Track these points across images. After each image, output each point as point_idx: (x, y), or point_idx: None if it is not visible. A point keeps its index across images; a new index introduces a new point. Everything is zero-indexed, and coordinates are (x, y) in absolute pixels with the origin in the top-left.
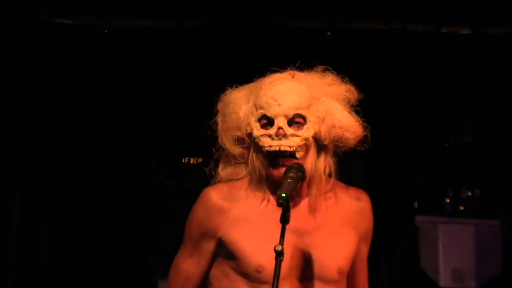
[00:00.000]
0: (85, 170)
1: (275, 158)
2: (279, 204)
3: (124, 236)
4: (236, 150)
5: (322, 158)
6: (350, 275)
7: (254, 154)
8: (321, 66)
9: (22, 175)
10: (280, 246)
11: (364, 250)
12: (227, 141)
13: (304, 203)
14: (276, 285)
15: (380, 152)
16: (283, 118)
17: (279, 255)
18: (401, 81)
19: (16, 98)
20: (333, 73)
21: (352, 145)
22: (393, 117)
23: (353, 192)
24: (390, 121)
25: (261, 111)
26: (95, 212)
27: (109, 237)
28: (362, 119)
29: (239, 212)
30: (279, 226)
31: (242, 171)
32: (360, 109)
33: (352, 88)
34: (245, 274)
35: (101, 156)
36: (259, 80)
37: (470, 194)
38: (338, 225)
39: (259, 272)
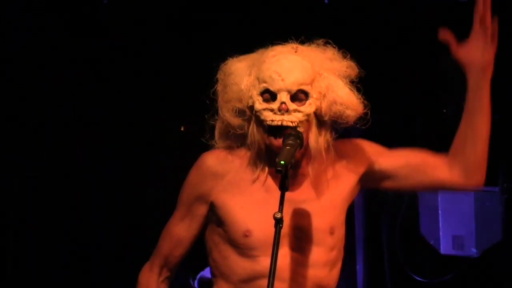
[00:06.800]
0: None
1: (276, 131)
2: (277, 171)
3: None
4: (235, 121)
5: (322, 134)
6: (413, 166)
7: (254, 127)
8: (322, 39)
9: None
10: (280, 214)
11: (389, 154)
12: (227, 112)
13: (303, 180)
14: (276, 253)
15: (378, 119)
16: (286, 93)
17: (278, 222)
18: (399, 49)
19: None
20: (334, 46)
21: (352, 123)
22: (392, 84)
23: (347, 143)
24: (388, 87)
25: (264, 85)
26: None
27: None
28: (363, 96)
29: (233, 178)
30: (269, 195)
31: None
32: (358, 79)
33: (352, 64)
34: (233, 240)
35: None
36: (260, 51)
37: None
38: (331, 193)
39: (246, 236)
